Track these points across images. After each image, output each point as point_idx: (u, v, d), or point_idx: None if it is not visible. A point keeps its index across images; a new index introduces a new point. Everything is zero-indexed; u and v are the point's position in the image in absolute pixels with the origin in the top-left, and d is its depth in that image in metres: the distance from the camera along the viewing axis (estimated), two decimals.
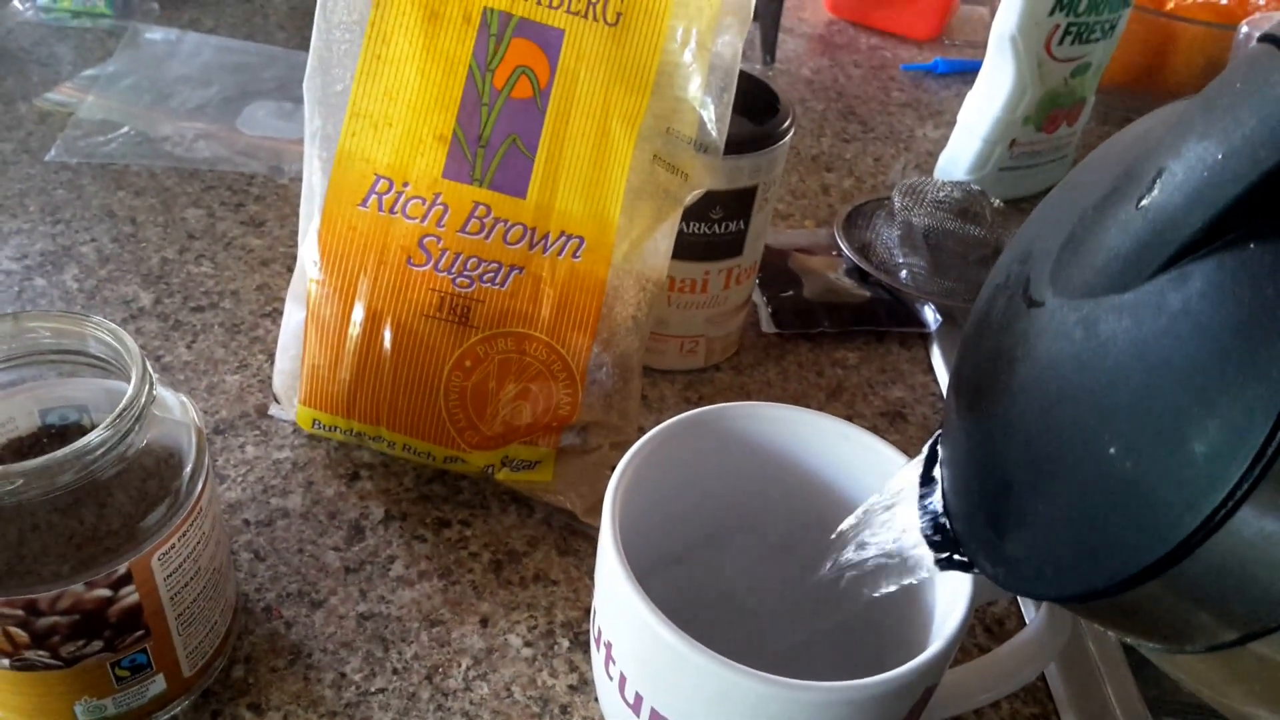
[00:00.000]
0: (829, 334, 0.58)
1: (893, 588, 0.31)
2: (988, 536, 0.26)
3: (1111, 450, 0.21)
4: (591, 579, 0.43)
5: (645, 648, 0.30)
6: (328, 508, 0.45)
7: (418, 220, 0.42)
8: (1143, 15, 0.81)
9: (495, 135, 0.42)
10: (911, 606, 0.35)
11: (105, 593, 0.31)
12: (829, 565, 0.33)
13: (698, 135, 0.43)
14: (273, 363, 0.48)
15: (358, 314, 0.42)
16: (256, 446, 0.47)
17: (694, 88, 0.42)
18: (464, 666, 0.39)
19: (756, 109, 0.50)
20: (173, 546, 0.32)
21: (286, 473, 0.46)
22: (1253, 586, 0.20)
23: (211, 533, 0.35)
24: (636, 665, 0.31)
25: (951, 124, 0.74)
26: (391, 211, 0.42)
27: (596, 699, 0.38)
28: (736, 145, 0.45)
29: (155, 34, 0.81)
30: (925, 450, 0.30)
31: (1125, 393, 0.21)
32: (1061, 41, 0.67)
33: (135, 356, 0.32)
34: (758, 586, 0.41)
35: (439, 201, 0.42)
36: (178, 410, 0.35)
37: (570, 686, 0.39)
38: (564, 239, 0.42)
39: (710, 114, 0.43)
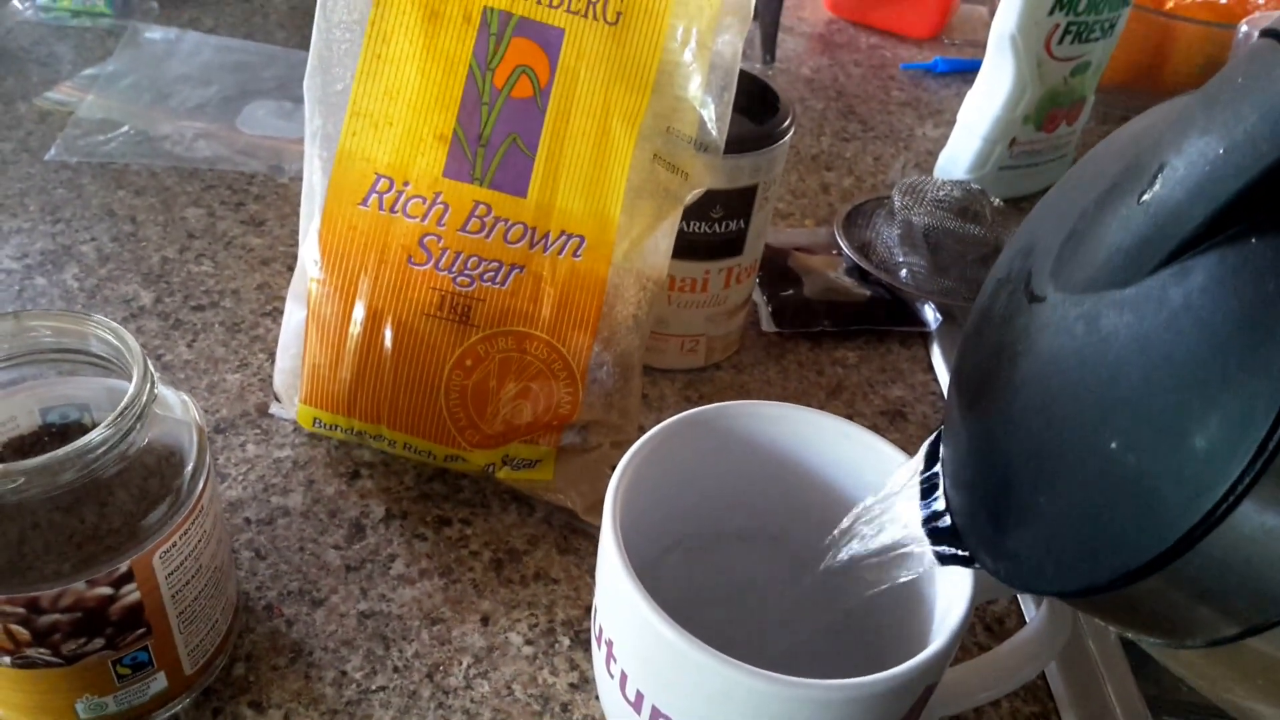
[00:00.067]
0: (829, 333, 0.58)
1: (893, 583, 0.31)
2: (989, 532, 0.26)
3: (1113, 445, 0.21)
4: (592, 577, 0.43)
5: (646, 645, 0.30)
6: (328, 506, 0.45)
7: (418, 219, 0.42)
8: (1142, 14, 0.81)
9: (495, 134, 0.42)
10: (912, 604, 0.35)
11: (107, 591, 0.31)
12: (830, 562, 0.33)
13: (698, 134, 0.43)
14: (273, 361, 0.48)
15: (358, 313, 0.42)
16: (257, 445, 0.47)
17: (694, 87, 0.42)
18: (465, 665, 0.39)
19: (756, 108, 0.50)
20: (174, 545, 0.32)
21: (287, 471, 0.46)
22: (1254, 581, 0.20)
23: (213, 531, 0.35)
24: (637, 663, 0.31)
25: (951, 123, 0.74)
26: (392, 211, 0.42)
27: (597, 697, 0.38)
28: (737, 144, 0.45)
29: (155, 33, 0.81)
30: (926, 446, 0.30)
31: (1127, 388, 0.21)
32: (1061, 40, 0.67)
33: (136, 355, 0.32)
34: (758, 584, 0.41)
35: (439, 200, 0.42)
36: (179, 409, 0.35)
37: (571, 684, 0.39)
38: (564, 238, 0.42)
39: (710, 113, 0.43)
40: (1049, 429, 0.24)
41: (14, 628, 0.30)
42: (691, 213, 0.46)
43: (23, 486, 0.29)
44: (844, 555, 0.33)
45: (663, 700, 0.30)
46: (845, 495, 0.37)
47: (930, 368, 0.57)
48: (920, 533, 0.29)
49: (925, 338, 0.59)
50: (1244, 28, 0.74)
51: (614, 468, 0.34)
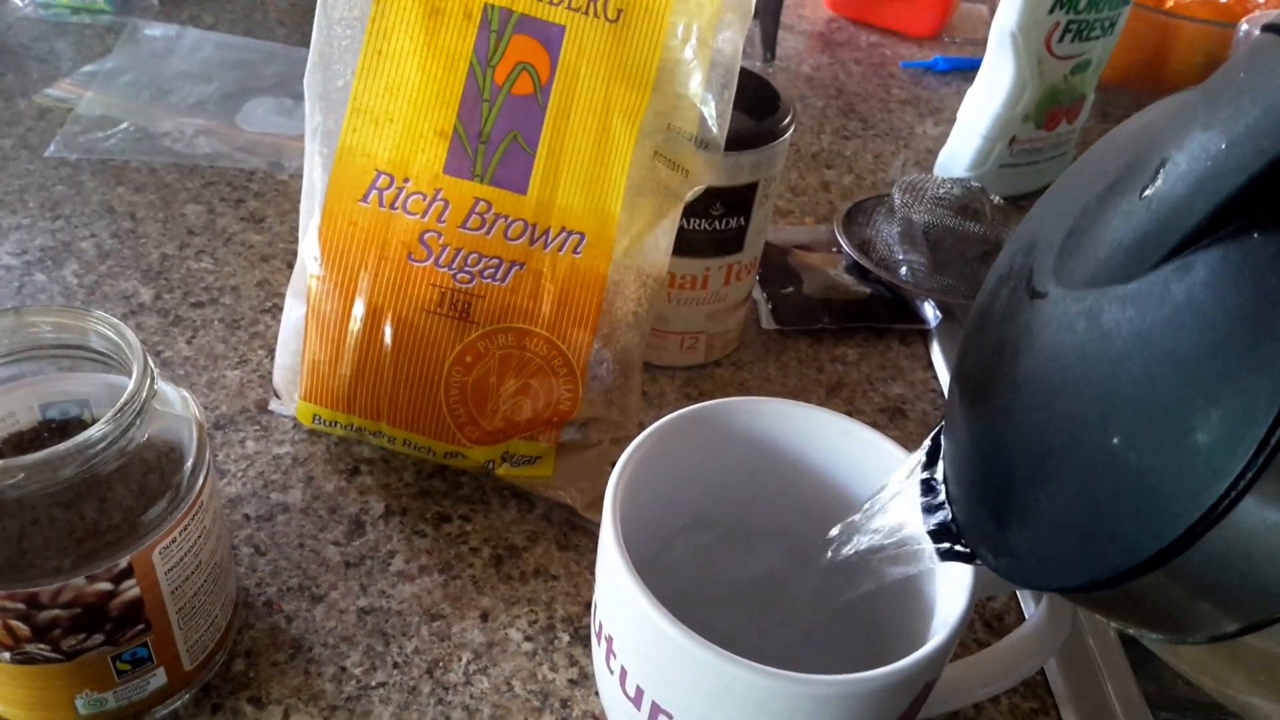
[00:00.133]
0: (829, 330, 0.58)
1: (894, 579, 0.31)
2: (990, 528, 0.26)
3: (1114, 441, 0.21)
4: (592, 574, 0.43)
5: (647, 641, 0.30)
6: (328, 503, 0.45)
7: (418, 216, 0.42)
8: (1142, 12, 0.81)
9: (496, 131, 0.42)
10: (912, 601, 0.35)
11: (106, 586, 0.31)
12: (830, 558, 0.33)
13: (698, 132, 0.43)
14: (273, 358, 0.48)
15: (358, 309, 0.42)
16: (257, 442, 0.47)
17: (695, 84, 0.42)
18: (464, 661, 0.39)
19: (757, 106, 0.50)
20: (174, 540, 0.32)
21: (287, 468, 0.46)
22: (1256, 577, 0.20)
23: (212, 527, 0.35)
24: (638, 659, 0.31)
25: (951, 121, 0.74)
26: (392, 207, 0.42)
27: (597, 693, 0.38)
28: (737, 142, 0.45)
29: (155, 30, 0.81)
30: (927, 442, 0.30)
31: (1128, 383, 0.21)
32: (1061, 39, 0.67)
33: (136, 351, 0.32)
34: (758, 580, 0.41)
35: (440, 197, 0.42)
36: (179, 405, 0.35)
37: (570, 681, 0.39)
38: (565, 235, 0.42)
39: (711, 110, 0.43)
40: (1050, 425, 0.24)
41: (14, 623, 0.30)
42: (692, 210, 0.46)
43: (22, 482, 0.29)
44: (844, 551, 0.33)
45: (663, 696, 0.30)
46: (846, 492, 0.37)
47: (930, 365, 0.57)
48: (921, 529, 0.29)
49: (925, 335, 0.59)
50: (1244, 26, 0.74)
51: (614, 464, 0.34)
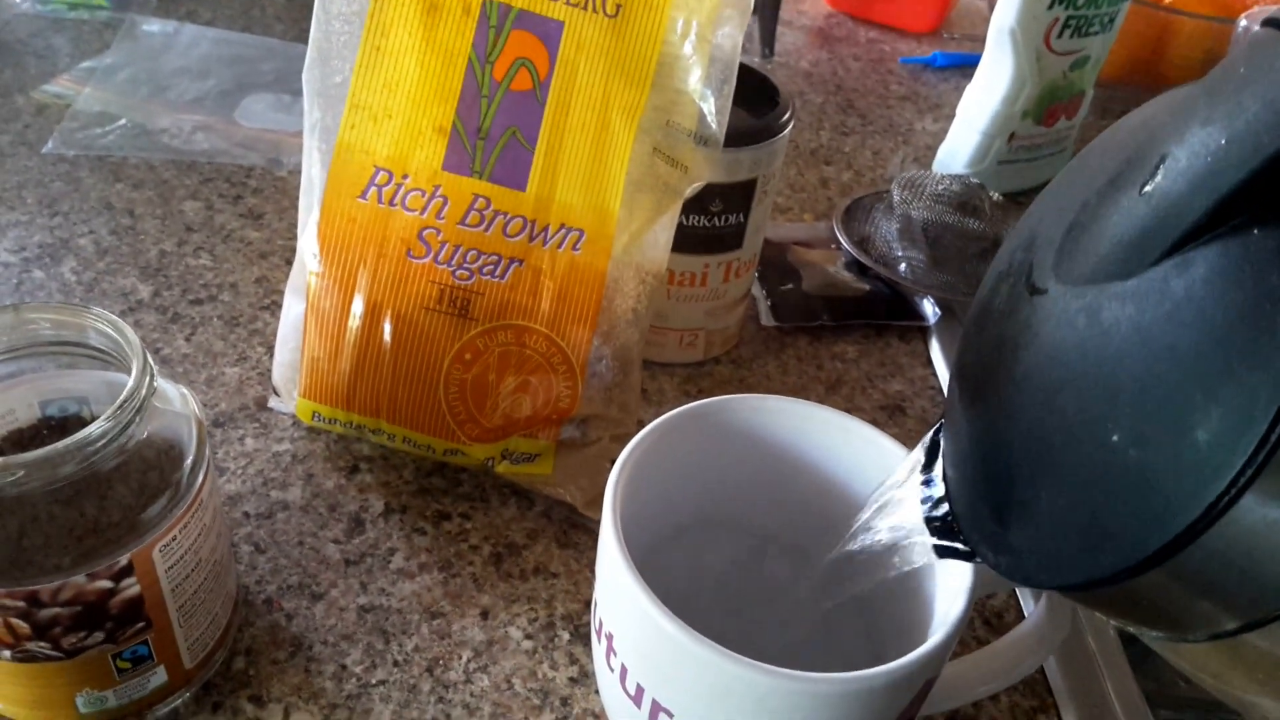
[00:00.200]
0: (828, 327, 0.58)
1: (893, 576, 0.31)
2: (989, 525, 0.26)
3: (1114, 438, 0.21)
4: (591, 571, 0.43)
5: (647, 639, 0.30)
6: (328, 500, 0.45)
7: (417, 212, 0.42)
8: (1141, 8, 0.81)
9: (495, 127, 0.42)
10: (912, 599, 0.35)
11: (107, 584, 0.31)
12: (830, 555, 0.33)
13: (697, 128, 0.43)
14: (272, 355, 0.48)
15: (357, 306, 0.42)
16: (256, 439, 0.47)
17: (694, 80, 0.42)
18: (464, 659, 0.39)
19: (756, 102, 0.50)
20: (174, 538, 0.32)
21: (286, 465, 0.46)
22: (1256, 574, 0.20)
23: (212, 524, 0.35)
24: (638, 657, 0.31)
25: (950, 117, 0.74)
26: (391, 204, 0.42)
27: (597, 691, 0.38)
28: (736, 138, 0.45)
29: (152, 26, 0.81)
30: (927, 439, 0.30)
31: (1128, 380, 0.21)
32: (1060, 35, 0.67)
33: (136, 348, 0.32)
34: (759, 578, 0.41)
35: (438, 194, 0.42)
36: (178, 402, 0.35)
37: (571, 679, 0.39)
38: (564, 231, 0.42)
39: (710, 107, 0.43)
40: (1050, 422, 0.24)
41: (14, 621, 0.30)
42: (691, 206, 0.46)
43: (22, 480, 0.29)
44: (844, 549, 0.33)
45: (663, 694, 0.30)
46: (845, 489, 0.37)
47: (929, 362, 0.57)
48: (920, 526, 0.29)
49: (924, 332, 0.59)
50: (1243, 22, 0.74)
51: (613, 462, 0.34)
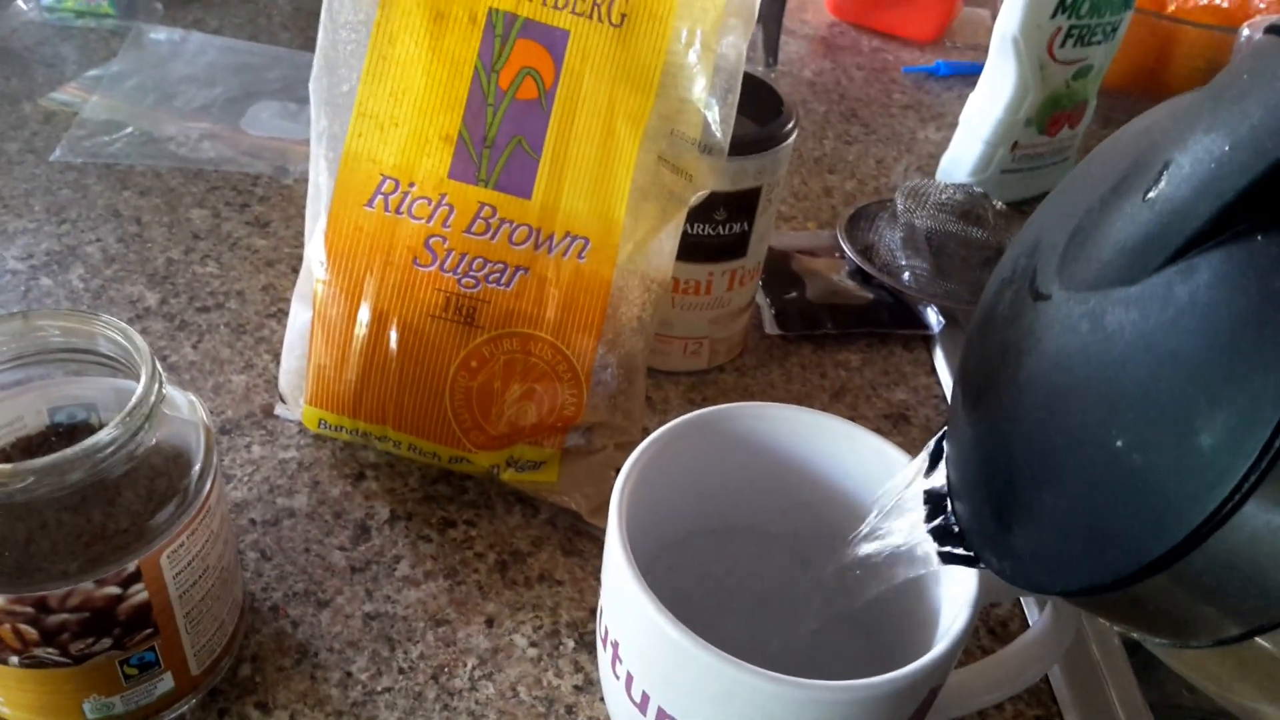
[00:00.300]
0: (832, 336, 0.58)
1: (898, 584, 0.31)
2: (993, 531, 0.26)
3: (1118, 443, 0.21)
4: (596, 579, 0.43)
5: (652, 647, 0.30)
6: (333, 508, 0.45)
7: (423, 221, 0.42)
8: (1144, 18, 0.81)
9: (501, 136, 0.42)
10: (916, 607, 0.35)
11: (114, 590, 0.31)
12: (835, 563, 0.33)
13: (702, 136, 0.43)
14: (278, 363, 0.48)
15: (364, 314, 0.42)
16: (262, 446, 0.48)
17: (699, 89, 0.42)
18: (470, 666, 0.39)
19: (760, 111, 0.50)
20: (181, 545, 0.32)
21: (292, 472, 0.46)
22: (1260, 580, 0.20)
23: (219, 531, 0.35)
24: (643, 664, 0.31)
25: (953, 126, 0.74)
26: (398, 212, 0.42)
27: (602, 699, 0.38)
28: (740, 146, 0.46)
29: (159, 34, 0.82)
30: (931, 445, 0.30)
31: (1132, 385, 0.21)
32: (1063, 44, 0.67)
33: (144, 355, 0.32)
34: (763, 586, 0.41)
35: (445, 202, 0.42)
36: (186, 409, 0.35)
37: (576, 687, 0.39)
38: (569, 240, 0.42)
39: (715, 115, 0.43)
40: (1053, 427, 0.24)
41: (22, 627, 0.30)
42: (695, 215, 0.46)
43: (31, 486, 0.29)
44: (849, 556, 0.33)
45: (668, 701, 0.30)
46: (849, 497, 0.37)
47: (933, 371, 0.57)
48: (925, 533, 0.29)
49: (928, 341, 0.59)
50: (1245, 31, 0.74)
51: (618, 470, 0.34)
